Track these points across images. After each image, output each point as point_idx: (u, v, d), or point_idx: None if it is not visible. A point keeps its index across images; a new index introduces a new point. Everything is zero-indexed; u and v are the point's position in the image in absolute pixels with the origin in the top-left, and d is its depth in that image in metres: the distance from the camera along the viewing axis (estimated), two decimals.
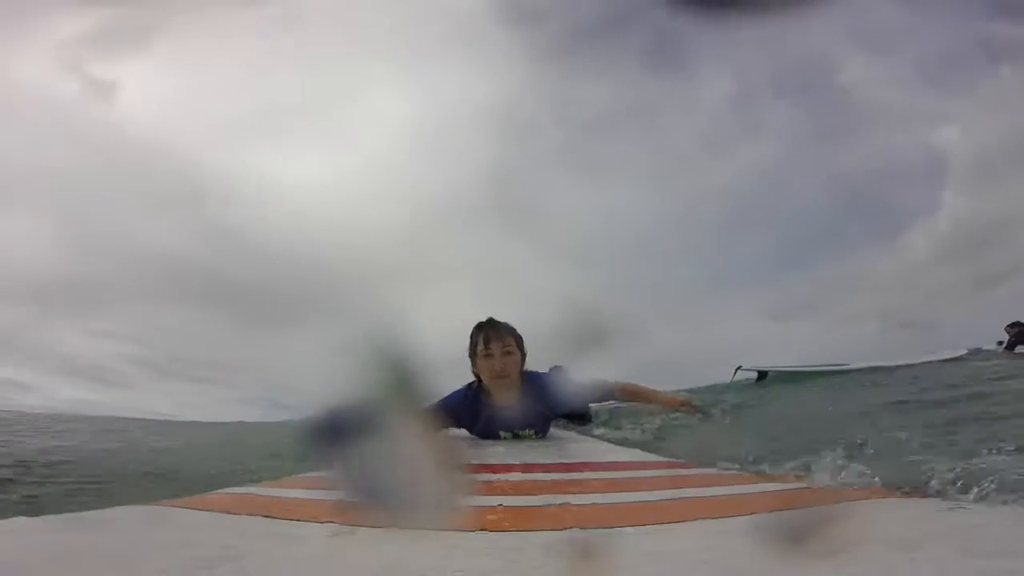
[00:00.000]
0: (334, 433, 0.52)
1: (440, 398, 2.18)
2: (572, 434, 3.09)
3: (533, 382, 2.26)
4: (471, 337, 2.25)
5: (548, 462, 2.02)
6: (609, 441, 2.67)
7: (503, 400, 2.19)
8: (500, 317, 2.33)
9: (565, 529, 1.03)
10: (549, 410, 2.30)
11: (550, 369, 2.37)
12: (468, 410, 2.24)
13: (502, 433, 2.28)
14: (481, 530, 0.95)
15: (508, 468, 1.78)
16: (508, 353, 2.20)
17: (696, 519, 1.03)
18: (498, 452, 2.17)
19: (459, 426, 2.33)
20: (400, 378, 0.53)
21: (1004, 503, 1.09)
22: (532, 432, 2.31)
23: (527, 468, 1.84)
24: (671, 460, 2.01)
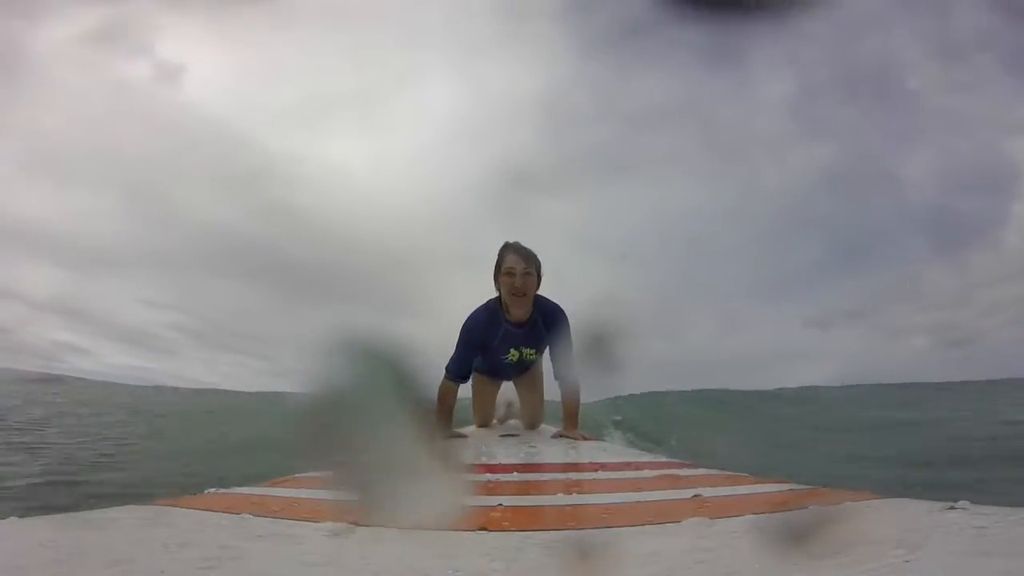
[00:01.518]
0: (327, 416, 0.52)
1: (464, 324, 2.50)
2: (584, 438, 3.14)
3: (543, 306, 2.53)
4: (498, 255, 2.50)
5: (548, 462, 2.02)
6: None
7: (517, 315, 2.47)
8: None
9: (565, 529, 1.03)
10: (547, 336, 2.55)
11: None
12: (488, 327, 2.52)
13: (511, 351, 2.55)
14: (481, 530, 0.95)
15: (508, 468, 1.78)
16: (527, 274, 2.46)
17: (696, 519, 1.03)
18: (498, 452, 2.17)
19: (481, 350, 2.57)
20: (394, 379, 0.53)
21: (1004, 503, 1.09)
22: (532, 352, 2.58)
23: (527, 468, 1.84)
24: (671, 460, 2.01)
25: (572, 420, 2.59)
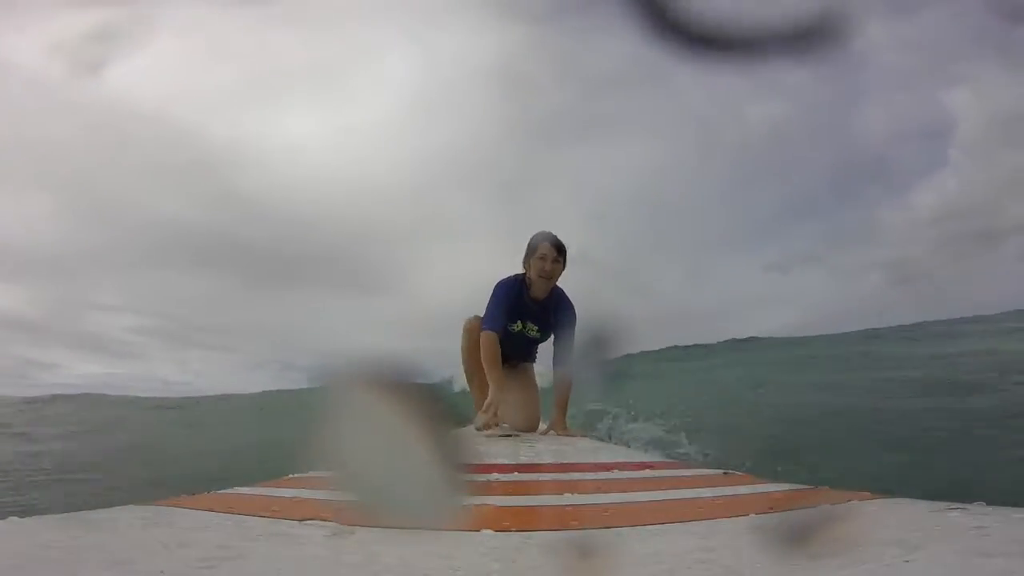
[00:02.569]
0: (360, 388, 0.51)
1: (496, 286, 2.85)
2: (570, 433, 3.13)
3: (560, 296, 2.86)
4: (533, 239, 2.84)
5: (548, 462, 2.02)
6: None
7: (537, 293, 2.82)
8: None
9: (565, 529, 1.03)
10: (554, 322, 2.87)
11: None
12: (513, 293, 2.85)
13: (518, 322, 2.84)
14: (481, 530, 0.95)
15: (508, 468, 1.78)
16: (556, 261, 2.81)
17: (696, 519, 1.03)
18: (498, 452, 2.17)
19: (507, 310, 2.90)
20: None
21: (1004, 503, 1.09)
22: (535, 329, 2.87)
23: (527, 468, 1.84)
24: (671, 460, 2.02)
25: (563, 408, 2.83)
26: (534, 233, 2.88)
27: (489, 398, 2.65)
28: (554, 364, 2.86)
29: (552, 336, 2.95)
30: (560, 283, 2.90)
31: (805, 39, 0.49)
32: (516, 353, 2.96)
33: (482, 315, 2.89)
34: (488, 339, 2.74)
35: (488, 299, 2.88)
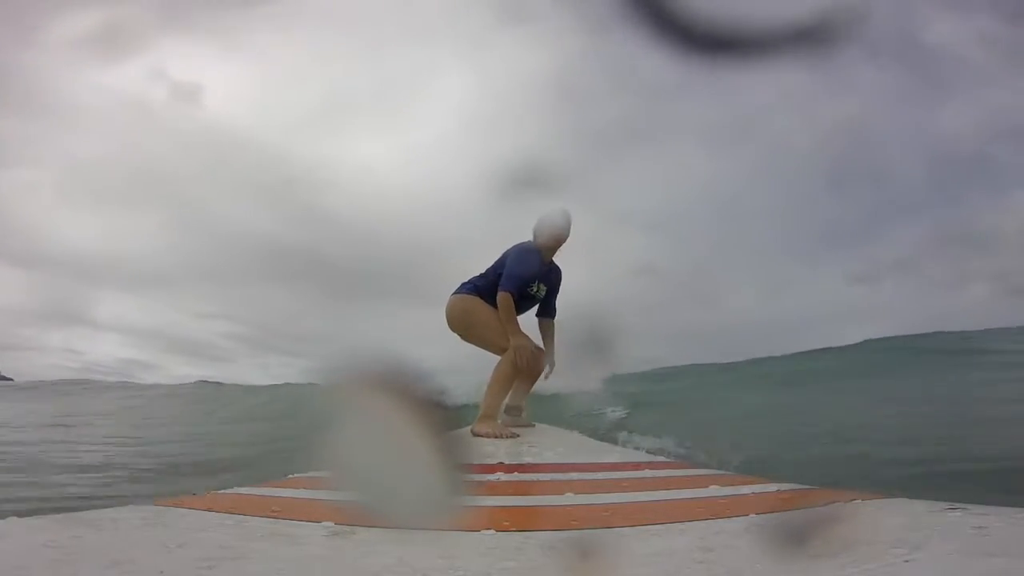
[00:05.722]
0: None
1: (521, 253, 3.22)
2: (568, 433, 3.12)
3: (554, 263, 3.35)
4: (553, 215, 3.18)
5: (548, 462, 2.02)
6: None
7: (548, 258, 3.29)
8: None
9: (565, 529, 1.03)
10: (550, 282, 3.34)
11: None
12: (535, 259, 3.23)
13: (537, 283, 3.24)
14: (481, 530, 0.95)
15: (508, 468, 1.78)
16: (567, 235, 3.30)
17: (695, 519, 1.03)
18: (499, 452, 2.17)
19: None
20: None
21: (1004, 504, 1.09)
22: (544, 289, 3.26)
23: (527, 468, 1.84)
24: (671, 460, 2.02)
25: (551, 347, 3.29)
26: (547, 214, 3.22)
27: (517, 340, 3.06)
28: (544, 314, 3.31)
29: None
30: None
31: (807, 39, 0.49)
32: (519, 312, 3.32)
33: (459, 291, 3.26)
34: (508, 299, 3.14)
35: (508, 262, 3.24)
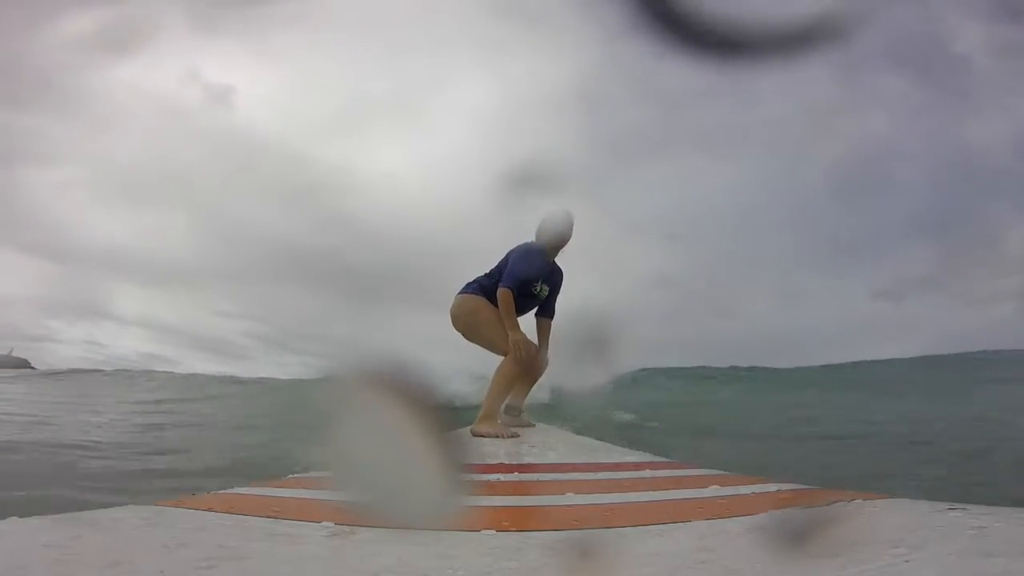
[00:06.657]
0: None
1: (524, 252, 3.27)
2: (568, 433, 3.11)
3: (556, 264, 3.40)
4: (559, 217, 3.24)
5: (548, 462, 2.02)
6: None
7: (552, 257, 3.34)
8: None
9: (565, 529, 1.03)
10: (552, 282, 3.38)
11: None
12: (538, 259, 3.28)
13: (540, 283, 3.27)
14: (481, 530, 0.95)
15: (508, 468, 1.78)
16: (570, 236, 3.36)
17: (695, 519, 1.03)
18: (499, 452, 2.17)
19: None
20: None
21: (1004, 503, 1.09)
22: (547, 289, 3.30)
23: (527, 468, 1.84)
24: (671, 460, 2.02)
25: (546, 347, 3.30)
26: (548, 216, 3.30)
27: (515, 335, 3.10)
28: (543, 314, 3.34)
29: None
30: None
31: (808, 38, 0.49)
32: (521, 311, 3.35)
33: (464, 291, 3.30)
34: (508, 295, 3.16)
35: (512, 260, 3.28)
